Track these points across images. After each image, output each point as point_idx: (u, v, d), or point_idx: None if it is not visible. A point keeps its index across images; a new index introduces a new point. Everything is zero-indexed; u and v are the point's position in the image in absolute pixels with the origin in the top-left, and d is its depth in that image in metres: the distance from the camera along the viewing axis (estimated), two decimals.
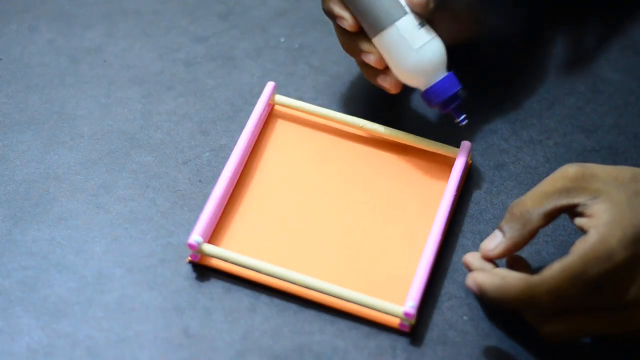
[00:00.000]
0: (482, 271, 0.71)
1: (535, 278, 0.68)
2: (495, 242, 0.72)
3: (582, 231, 0.68)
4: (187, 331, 0.73)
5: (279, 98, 0.82)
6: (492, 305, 0.73)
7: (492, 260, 0.73)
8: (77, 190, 0.79)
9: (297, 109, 0.82)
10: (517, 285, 0.68)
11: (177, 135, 0.82)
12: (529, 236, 0.70)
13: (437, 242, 0.75)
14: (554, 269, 0.67)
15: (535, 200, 0.70)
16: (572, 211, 0.69)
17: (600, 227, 0.67)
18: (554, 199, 0.69)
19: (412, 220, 0.77)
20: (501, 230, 0.71)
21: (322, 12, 0.77)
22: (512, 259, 0.74)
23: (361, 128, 0.81)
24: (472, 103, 0.84)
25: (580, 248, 0.67)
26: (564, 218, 0.75)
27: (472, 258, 0.73)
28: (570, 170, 0.70)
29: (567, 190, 0.69)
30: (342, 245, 0.76)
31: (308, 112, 0.82)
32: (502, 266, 0.73)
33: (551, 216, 0.70)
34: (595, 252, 0.66)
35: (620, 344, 0.72)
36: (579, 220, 0.69)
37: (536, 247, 0.76)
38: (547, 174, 0.71)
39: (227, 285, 0.75)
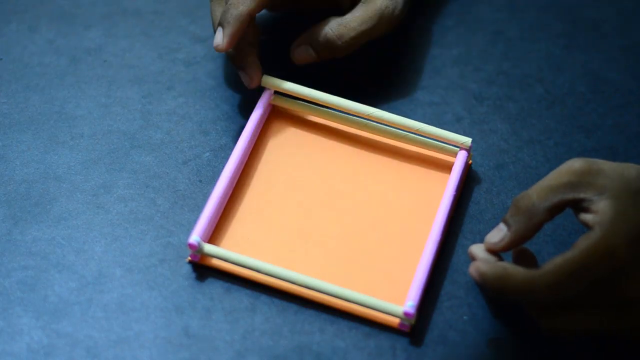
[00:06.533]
0: (485, 261, 0.71)
1: (536, 271, 0.68)
2: (500, 235, 0.72)
3: (587, 227, 0.68)
4: (187, 331, 0.73)
5: (279, 98, 0.82)
6: (493, 296, 0.73)
7: (497, 253, 0.73)
8: (77, 190, 0.79)
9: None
10: (518, 276, 0.68)
11: (177, 135, 0.82)
12: (534, 230, 0.70)
13: (437, 242, 0.75)
14: (555, 263, 0.67)
15: (541, 194, 0.70)
16: (577, 206, 0.69)
17: (604, 224, 0.67)
18: (560, 193, 0.69)
19: (412, 220, 0.77)
20: (506, 223, 0.71)
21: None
22: (518, 252, 0.73)
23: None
24: (472, 103, 0.84)
25: (583, 244, 0.67)
26: (564, 218, 0.75)
27: (477, 249, 0.73)
28: (576, 164, 0.70)
29: (572, 185, 0.69)
30: (342, 245, 0.76)
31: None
32: (508, 260, 0.73)
33: (556, 210, 0.70)
34: (597, 249, 0.66)
35: (621, 340, 0.72)
36: (583, 216, 0.69)
37: (536, 247, 0.76)
38: (547, 174, 0.71)
39: (227, 285, 0.75)
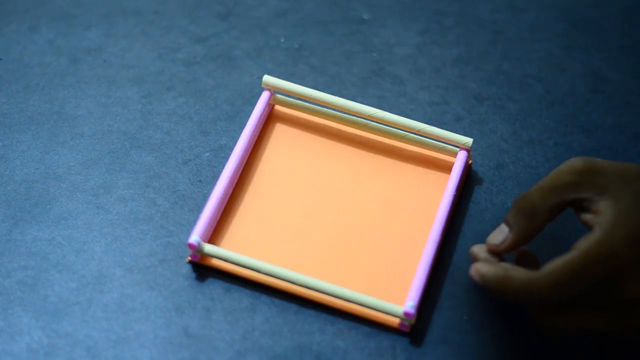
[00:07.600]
0: (486, 262, 0.71)
1: (537, 272, 0.68)
2: (501, 236, 0.71)
3: (588, 226, 0.68)
4: (187, 331, 0.73)
5: (279, 98, 0.82)
6: (494, 297, 0.73)
7: (499, 254, 0.72)
8: (77, 190, 0.79)
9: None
10: (519, 278, 0.68)
11: (177, 135, 0.82)
12: (536, 230, 0.70)
13: (437, 242, 0.75)
14: (556, 264, 0.67)
15: (542, 194, 0.70)
16: (578, 206, 0.69)
17: (604, 224, 0.67)
18: (560, 193, 0.69)
19: (412, 220, 0.77)
20: (507, 224, 0.71)
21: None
22: (520, 253, 0.73)
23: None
24: (472, 103, 0.84)
25: (584, 245, 0.67)
26: (564, 217, 0.75)
27: (478, 250, 0.73)
28: (577, 164, 0.69)
29: (573, 185, 0.69)
30: (342, 245, 0.76)
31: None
32: (509, 261, 0.73)
33: (557, 210, 0.70)
34: (598, 250, 0.66)
35: (621, 340, 0.72)
36: (584, 216, 0.69)
37: (536, 247, 0.76)
38: (547, 174, 0.71)
39: (227, 285, 0.75)
